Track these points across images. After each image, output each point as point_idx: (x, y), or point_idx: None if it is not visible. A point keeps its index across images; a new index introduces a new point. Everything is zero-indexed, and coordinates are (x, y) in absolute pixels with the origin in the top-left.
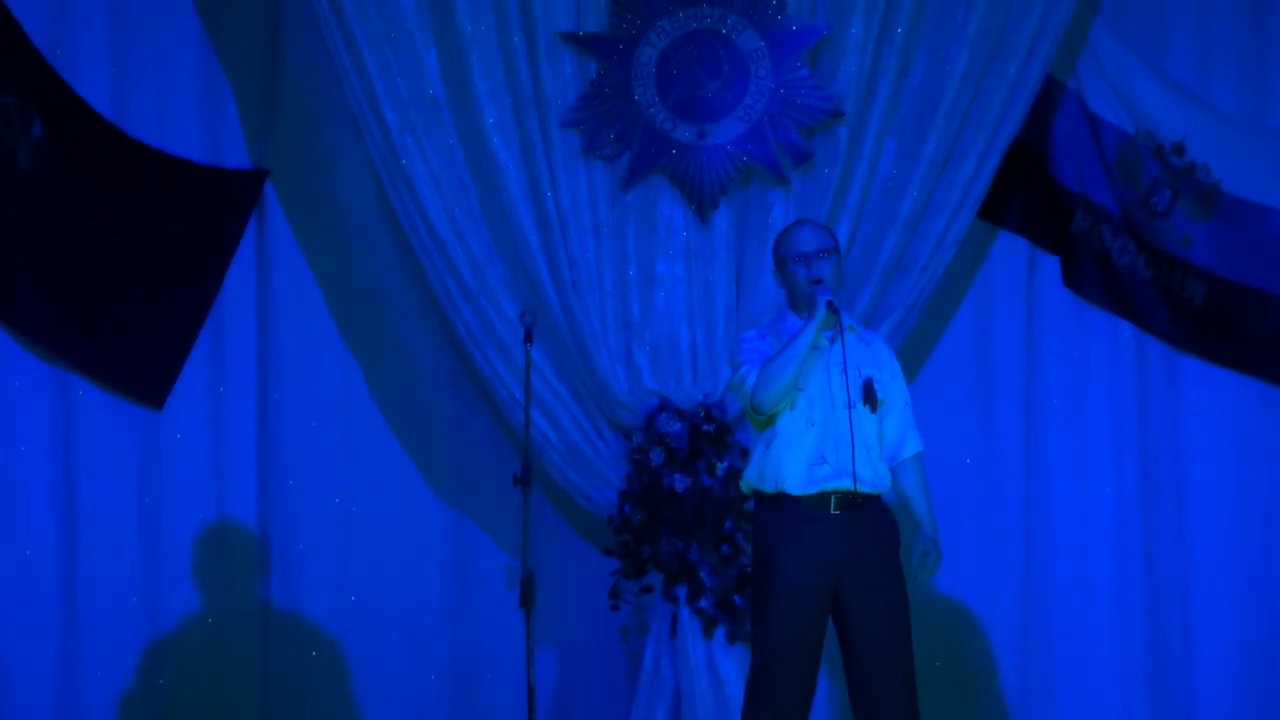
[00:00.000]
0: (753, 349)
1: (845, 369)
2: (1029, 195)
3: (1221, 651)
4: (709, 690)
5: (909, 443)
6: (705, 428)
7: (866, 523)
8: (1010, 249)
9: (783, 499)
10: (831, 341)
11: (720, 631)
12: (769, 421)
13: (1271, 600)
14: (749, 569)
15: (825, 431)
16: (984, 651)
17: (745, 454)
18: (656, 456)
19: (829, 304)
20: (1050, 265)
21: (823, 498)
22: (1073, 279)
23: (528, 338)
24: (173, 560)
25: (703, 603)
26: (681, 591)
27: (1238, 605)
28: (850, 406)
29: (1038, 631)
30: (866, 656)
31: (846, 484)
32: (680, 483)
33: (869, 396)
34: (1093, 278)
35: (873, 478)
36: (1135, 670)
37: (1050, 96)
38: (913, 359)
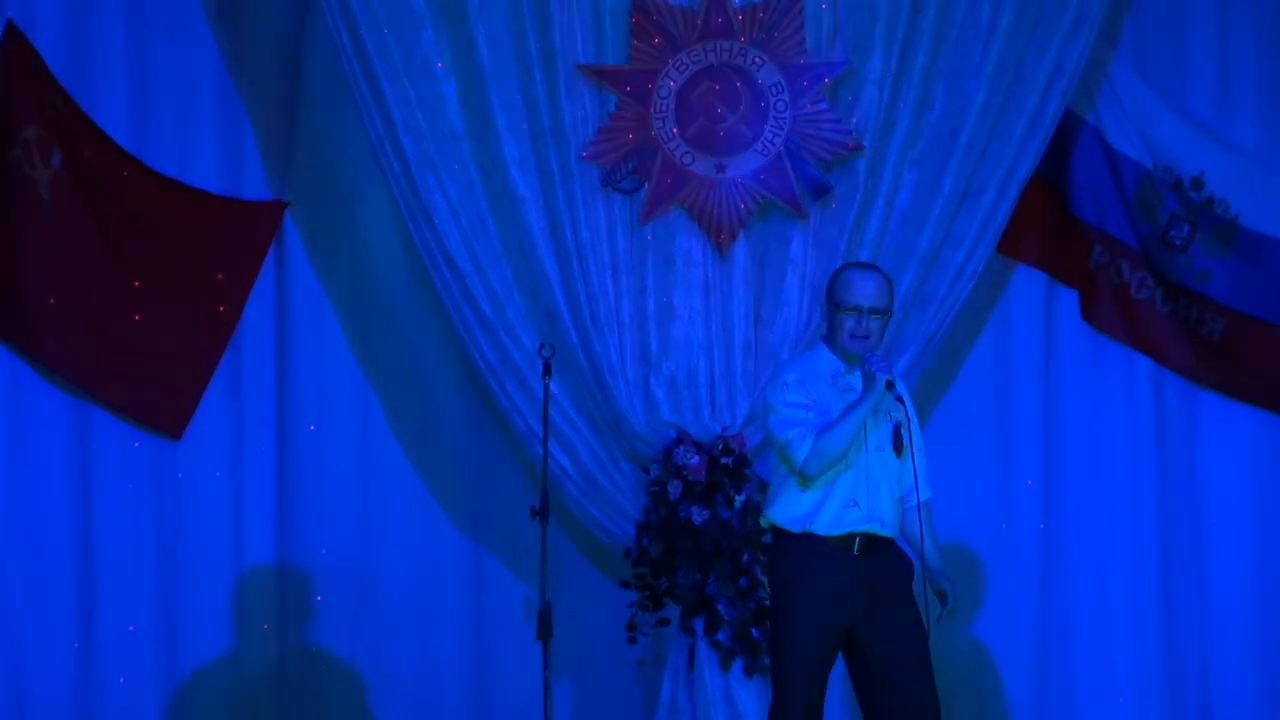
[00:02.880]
0: (794, 409)
1: (877, 414)
2: (1048, 229)
3: (1241, 689)
4: None
5: (920, 488)
6: (723, 460)
7: (884, 561)
8: (1028, 283)
9: (806, 538)
10: (902, 401)
11: (737, 664)
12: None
13: None
14: (767, 603)
15: (858, 475)
16: (1000, 690)
17: (763, 486)
18: (674, 489)
19: (889, 383)
20: (1068, 299)
21: (848, 539)
22: (1091, 313)
23: (546, 371)
24: (191, 589)
25: (720, 636)
26: (699, 624)
27: (1258, 642)
28: (879, 451)
29: (1055, 668)
30: (890, 684)
31: (874, 528)
32: (698, 515)
33: (897, 443)
34: (1111, 312)
35: (894, 521)
36: (1153, 708)
37: (1069, 131)
38: (930, 393)
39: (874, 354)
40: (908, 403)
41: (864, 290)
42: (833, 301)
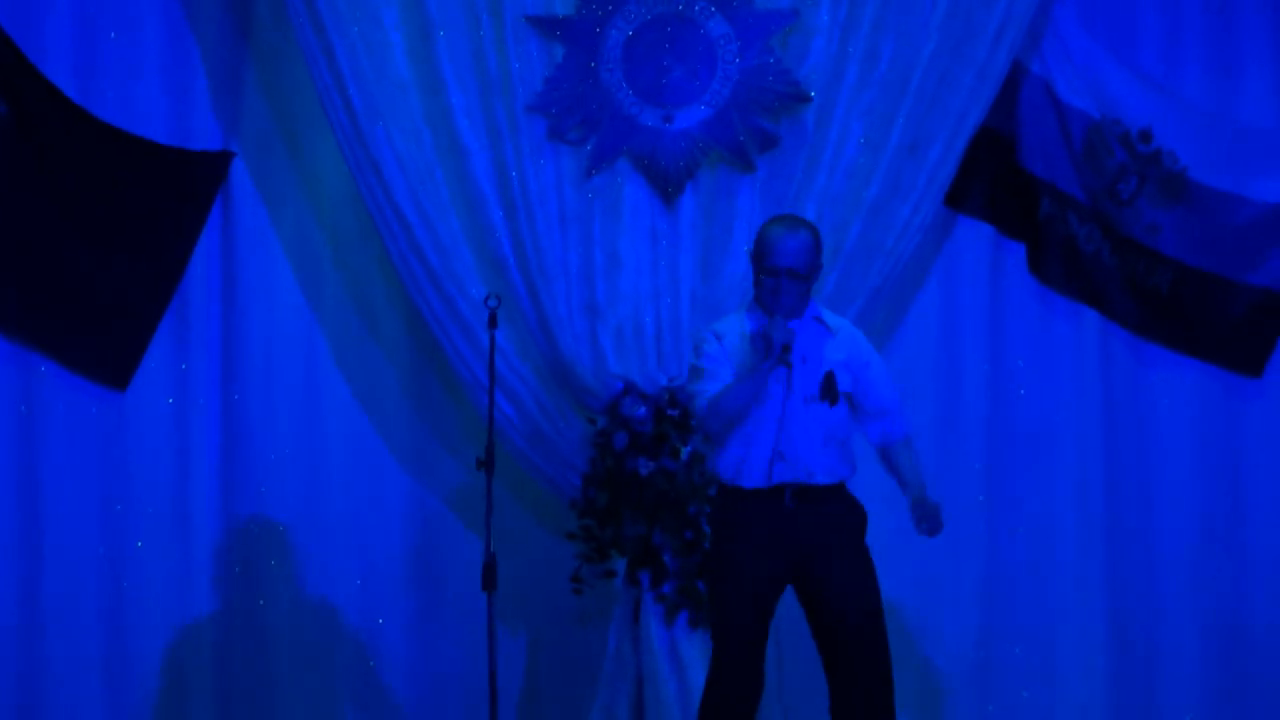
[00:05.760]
0: (710, 361)
1: (805, 363)
2: (995, 182)
3: (1186, 639)
4: (671, 675)
5: (895, 428)
6: (670, 412)
7: (824, 510)
8: (975, 235)
9: (738, 490)
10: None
11: (682, 616)
12: (721, 442)
13: (1237, 589)
14: None
15: (783, 427)
16: (941, 645)
17: (709, 439)
18: (620, 440)
19: (785, 348)
20: (1015, 252)
21: (777, 491)
22: (1038, 266)
23: (492, 321)
24: (137, 539)
25: (665, 588)
26: (645, 576)
27: (1202, 594)
28: (808, 401)
29: (997, 622)
30: (840, 634)
31: (802, 478)
32: (644, 467)
33: (828, 391)
34: (1058, 265)
35: (828, 470)
36: (1098, 663)
37: (1018, 83)
38: (876, 345)
39: (783, 319)
40: (840, 355)
41: (782, 251)
42: (754, 261)
